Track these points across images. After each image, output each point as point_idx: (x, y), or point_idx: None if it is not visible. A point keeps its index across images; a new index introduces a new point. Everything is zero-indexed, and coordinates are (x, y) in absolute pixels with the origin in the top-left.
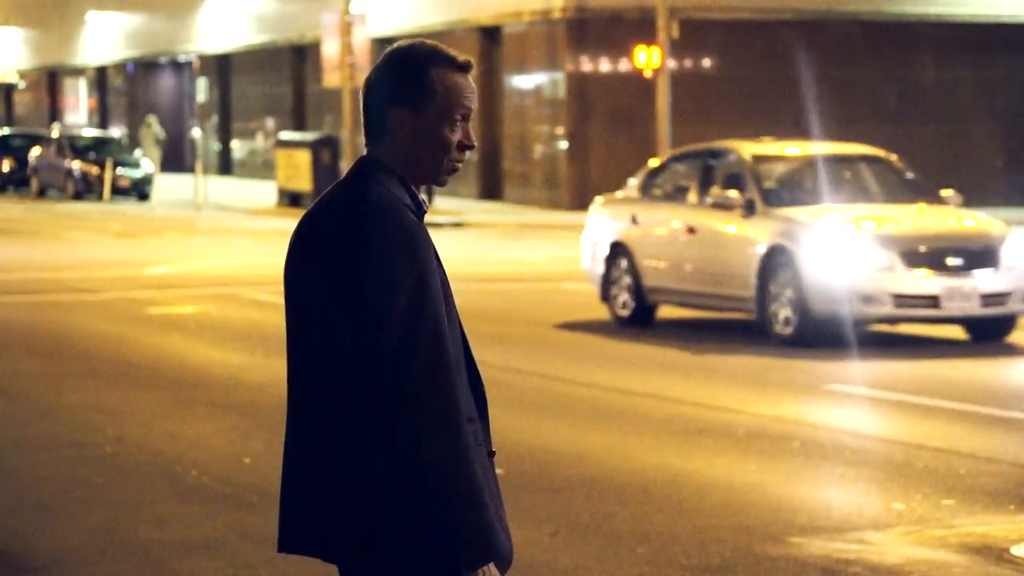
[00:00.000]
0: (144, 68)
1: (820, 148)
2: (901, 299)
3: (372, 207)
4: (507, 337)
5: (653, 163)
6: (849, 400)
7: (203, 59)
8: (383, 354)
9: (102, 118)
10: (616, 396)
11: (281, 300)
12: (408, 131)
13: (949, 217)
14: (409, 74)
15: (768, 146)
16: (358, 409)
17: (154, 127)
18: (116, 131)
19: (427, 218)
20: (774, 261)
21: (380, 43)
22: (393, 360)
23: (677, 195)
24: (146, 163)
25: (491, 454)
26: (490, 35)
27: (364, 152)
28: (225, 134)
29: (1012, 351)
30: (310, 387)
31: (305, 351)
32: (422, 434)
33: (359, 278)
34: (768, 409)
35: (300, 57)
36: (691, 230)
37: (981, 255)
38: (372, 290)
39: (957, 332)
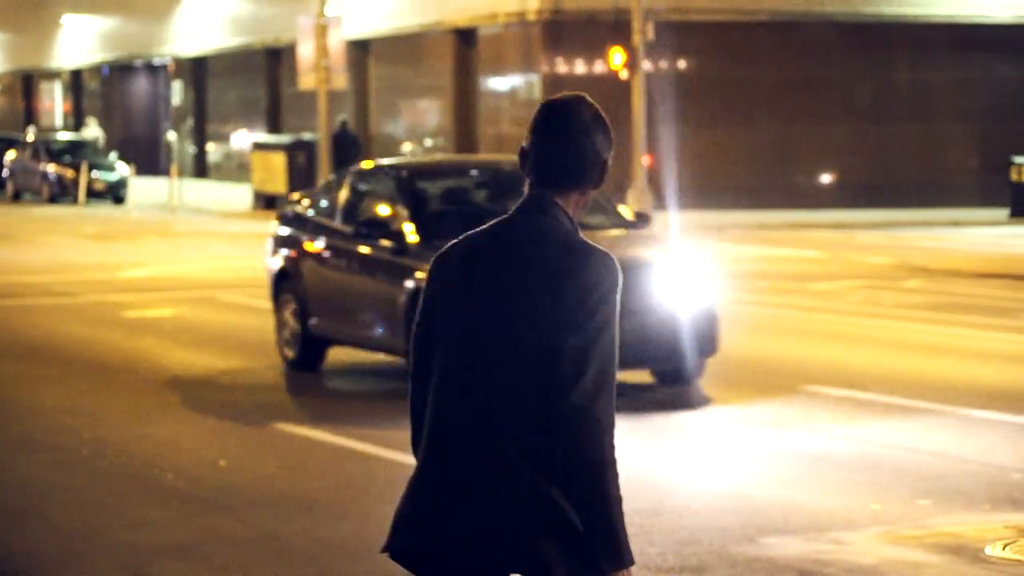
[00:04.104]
0: (119, 71)
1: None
2: None
3: (599, 252)
4: None
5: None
6: (824, 400)
7: (178, 62)
8: (571, 370)
9: (77, 121)
10: None
11: (255, 302)
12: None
13: None
14: (609, 127)
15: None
16: (543, 420)
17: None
18: (94, 132)
19: None
20: None
21: (355, 45)
22: (579, 377)
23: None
24: (121, 166)
25: None
26: (465, 37)
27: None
28: (200, 137)
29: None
30: (495, 399)
31: (494, 369)
32: (598, 440)
33: (573, 305)
34: (743, 409)
35: (275, 60)
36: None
37: None
38: (582, 318)
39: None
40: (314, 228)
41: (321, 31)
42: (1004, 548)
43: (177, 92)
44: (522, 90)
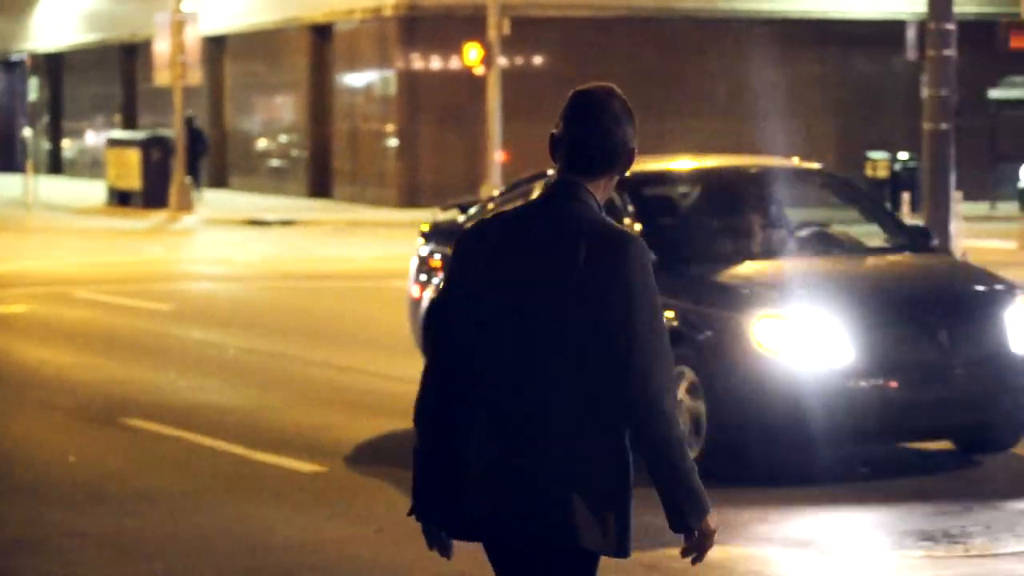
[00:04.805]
0: None
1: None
2: None
3: (634, 236)
4: (339, 336)
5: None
6: None
7: (35, 58)
8: (638, 361)
9: None
10: None
11: (109, 299)
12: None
13: None
14: (634, 118)
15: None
16: (599, 402)
17: None
18: None
19: (254, 215)
20: None
21: (211, 42)
22: (647, 368)
23: None
24: None
25: None
26: (321, 33)
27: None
28: (56, 133)
29: None
30: (548, 384)
31: (537, 352)
32: (672, 419)
33: (619, 293)
34: None
35: (131, 56)
36: None
37: None
38: (631, 306)
39: None
40: None
41: (177, 27)
42: (848, 543)
43: (33, 88)
44: (377, 86)
